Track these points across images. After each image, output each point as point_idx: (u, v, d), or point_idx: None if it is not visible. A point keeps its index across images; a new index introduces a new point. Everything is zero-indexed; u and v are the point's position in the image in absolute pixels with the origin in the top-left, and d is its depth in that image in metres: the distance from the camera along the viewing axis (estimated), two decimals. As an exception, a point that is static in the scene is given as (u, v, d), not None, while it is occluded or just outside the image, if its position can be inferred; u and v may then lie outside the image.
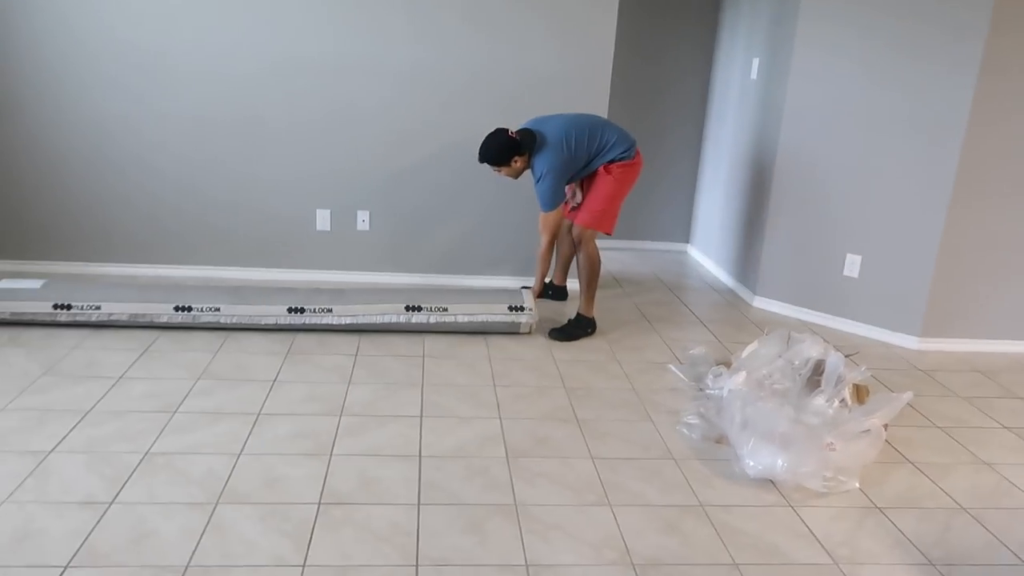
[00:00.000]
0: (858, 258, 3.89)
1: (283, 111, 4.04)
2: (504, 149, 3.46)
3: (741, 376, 2.92)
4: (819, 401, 2.75)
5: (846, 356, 2.91)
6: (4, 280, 3.35)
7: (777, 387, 2.89)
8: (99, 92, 3.93)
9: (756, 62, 4.41)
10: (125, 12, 3.83)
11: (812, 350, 3.03)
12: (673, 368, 3.35)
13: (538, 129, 3.53)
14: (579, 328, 3.65)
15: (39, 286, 3.32)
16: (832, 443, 2.47)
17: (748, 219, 4.45)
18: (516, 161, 3.50)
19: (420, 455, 2.52)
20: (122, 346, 3.22)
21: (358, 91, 4.04)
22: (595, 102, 4.05)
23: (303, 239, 4.24)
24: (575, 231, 3.68)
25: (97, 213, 4.10)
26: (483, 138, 3.51)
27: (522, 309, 3.56)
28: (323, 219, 4.22)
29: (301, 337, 3.44)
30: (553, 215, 3.57)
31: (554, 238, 3.66)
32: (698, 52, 5.13)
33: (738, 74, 4.69)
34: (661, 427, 2.83)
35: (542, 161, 3.47)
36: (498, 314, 3.54)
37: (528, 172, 3.61)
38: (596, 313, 3.74)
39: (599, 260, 3.66)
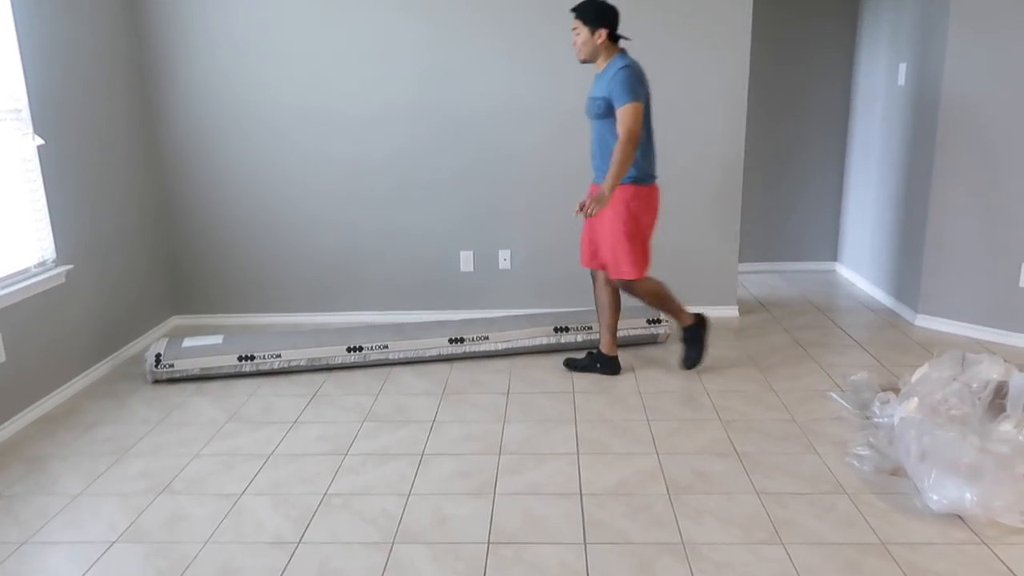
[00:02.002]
0: (1036, 267, 3.59)
1: (427, 160, 4.24)
2: (603, 11, 3.12)
3: (913, 402, 2.76)
4: (1006, 427, 2.55)
5: (1033, 377, 2.68)
6: (187, 338, 3.67)
7: (954, 413, 2.70)
8: (261, 151, 4.26)
9: (903, 67, 4.19)
10: (286, 75, 4.16)
11: (992, 371, 2.83)
12: (835, 396, 3.21)
13: None
14: (699, 342, 3.45)
15: (220, 340, 3.63)
16: (1027, 474, 2.28)
17: (905, 231, 4.20)
18: (600, 36, 3.12)
19: (581, 492, 2.54)
20: (293, 392, 3.46)
21: (499, 136, 4.18)
22: (732, 112, 4.03)
23: (448, 281, 4.40)
24: (616, 283, 3.36)
25: (258, 266, 4.43)
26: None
27: (659, 322, 3.86)
28: (466, 260, 4.37)
29: (455, 377, 3.56)
30: (631, 109, 3.05)
31: (636, 132, 3.07)
32: (838, 55, 4.93)
33: (883, 79, 4.47)
34: (828, 459, 2.71)
35: (624, 58, 3.15)
36: (639, 328, 3.84)
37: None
38: (741, 342, 3.64)
39: (657, 285, 3.32)
